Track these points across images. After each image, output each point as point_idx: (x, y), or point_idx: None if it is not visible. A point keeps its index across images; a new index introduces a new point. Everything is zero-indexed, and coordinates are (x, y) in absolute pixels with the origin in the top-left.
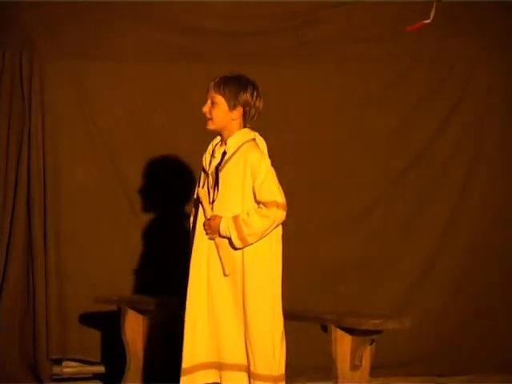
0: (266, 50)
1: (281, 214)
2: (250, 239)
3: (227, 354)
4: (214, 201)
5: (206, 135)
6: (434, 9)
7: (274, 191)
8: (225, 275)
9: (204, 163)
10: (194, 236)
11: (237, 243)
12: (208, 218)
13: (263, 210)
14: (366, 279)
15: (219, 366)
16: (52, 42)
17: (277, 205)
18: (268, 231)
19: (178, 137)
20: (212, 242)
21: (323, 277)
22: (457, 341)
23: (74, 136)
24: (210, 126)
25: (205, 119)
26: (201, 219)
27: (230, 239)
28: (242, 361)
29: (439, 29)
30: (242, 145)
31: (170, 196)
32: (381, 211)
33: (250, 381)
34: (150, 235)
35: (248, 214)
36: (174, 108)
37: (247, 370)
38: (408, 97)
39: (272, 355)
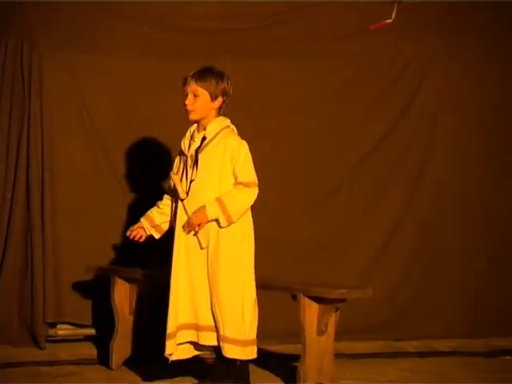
0: (244, 46)
1: (256, 192)
2: (234, 218)
3: (202, 316)
4: (192, 180)
5: (185, 123)
6: (395, 9)
7: (252, 173)
8: (201, 248)
9: (183, 147)
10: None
11: (223, 223)
12: (182, 199)
13: (243, 189)
14: (332, 254)
15: (196, 327)
16: (50, 35)
17: (256, 185)
18: (248, 207)
19: (160, 124)
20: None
21: (293, 252)
22: (411, 309)
23: (69, 121)
24: (193, 117)
25: (186, 111)
26: (180, 206)
27: (217, 220)
28: (212, 322)
29: (398, 28)
30: (221, 131)
31: (153, 175)
32: (344, 193)
33: (219, 343)
34: (135, 211)
35: (230, 194)
36: (158, 98)
37: (224, 337)
38: (369, 91)
39: (241, 321)
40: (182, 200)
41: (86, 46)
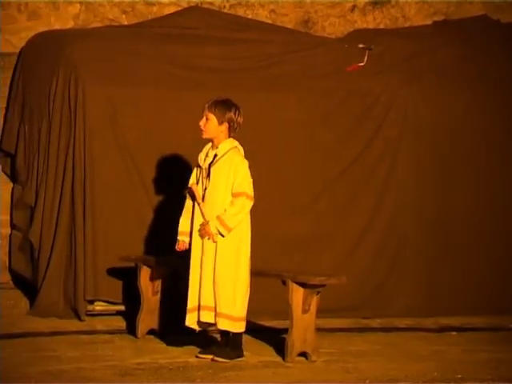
0: (246, 82)
1: (249, 203)
2: (230, 224)
3: (204, 297)
4: (206, 188)
5: (200, 142)
6: (366, 55)
7: (247, 186)
8: (214, 241)
9: (199, 160)
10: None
11: (224, 232)
12: (199, 202)
13: (235, 200)
14: (314, 248)
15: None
16: (91, 72)
17: (246, 195)
18: (242, 215)
19: (179, 142)
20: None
21: (284, 246)
22: (377, 293)
23: (106, 140)
24: (204, 136)
25: (200, 131)
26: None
27: (220, 233)
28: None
29: (369, 69)
30: (229, 150)
31: (173, 184)
32: (325, 199)
33: (215, 318)
34: (157, 211)
35: (227, 212)
36: (177, 122)
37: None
38: (346, 119)
39: (233, 300)
40: (199, 204)
41: (120, 80)
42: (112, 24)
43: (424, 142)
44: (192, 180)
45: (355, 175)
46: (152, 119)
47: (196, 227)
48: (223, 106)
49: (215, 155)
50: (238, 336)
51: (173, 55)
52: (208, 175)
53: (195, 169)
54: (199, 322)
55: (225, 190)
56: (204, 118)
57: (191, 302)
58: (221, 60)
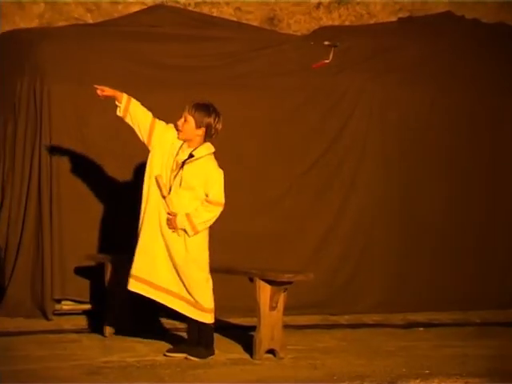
0: (212, 80)
1: (220, 210)
2: (199, 227)
3: (171, 284)
4: (170, 187)
5: None
6: (332, 51)
7: (221, 195)
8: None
9: (171, 146)
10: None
11: (190, 233)
12: (164, 195)
13: (209, 206)
14: (281, 246)
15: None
16: (57, 72)
17: (222, 205)
18: (212, 221)
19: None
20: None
21: (252, 244)
22: (344, 290)
23: (72, 138)
24: (180, 136)
25: (177, 130)
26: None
27: (184, 230)
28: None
29: (334, 66)
30: (206, 155)
31: (137, 179)
32: (292, 196)
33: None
34: (124, 211)
35: (196, 210)
36: None
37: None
38: (312, 116)
39: (207, 291)
40: (164, 197)
41: (85, 80)
42: (77, 23)
43: (390, 139)
44: (153, 166)
45: (322, 172)
46: (118, 118)
47: (152, 201)
48: (203, 110)
49: (191, 155)
50: (210, 334)
51: (138, 53)
52: (178, 171)
53: (158, 153)
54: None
55: (195, 194)
56: (183, 119)
57: (139, 270)
58: (186, 58)
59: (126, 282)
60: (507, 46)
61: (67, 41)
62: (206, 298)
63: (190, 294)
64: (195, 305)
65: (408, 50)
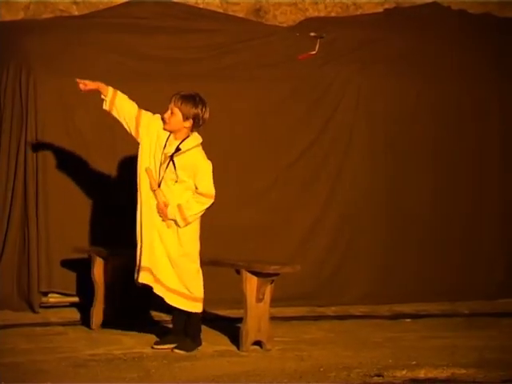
0: (198, 72)
1: (211, 201)
2: (190, 219)
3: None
4: (162, 177)
5: None
6: (318, 43)
7: (211, 187)
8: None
9: (157, 137)
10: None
11: (181, 224)
12: (154, 189)
13: (200, 198)
14: (268, 237)
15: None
16: (43, 64)
17: (213, 197)
18: (202, 212)
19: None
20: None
21: (237, 236)
22: (331, 282)
23: (58, 130)
24: (167, 128)
25: (163, 122)
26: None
27: (175, 221)
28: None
29: (321, 58)
30: (193, 147)
31: (127, 175)
32: (278, 188)
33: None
34: (111, 203)
35: (188, 201)
36: None
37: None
38: (298, 107)
39: (198, 280)
40: (154, 190)
41: (72, 71)
42: (63, 15)
43: (377, 130)
44: (143, 158)
45: (308, 164)
46: (104, 110)
47: (146, 194)
48: (190, 102)
49: (178, 148)
50: (197, 325)
51: (124, 45)
52: (167, 165)
53: (146, 145)
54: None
55: (186, 185)
56: (169, 111)
57: (146, 259)
58: (172, 50)
59: (113, 275)
60: (494, 37)
61: (53, 33)
62: (197, 287)
63: (181, 283)
64: (186, 296)
65: (394, 42)
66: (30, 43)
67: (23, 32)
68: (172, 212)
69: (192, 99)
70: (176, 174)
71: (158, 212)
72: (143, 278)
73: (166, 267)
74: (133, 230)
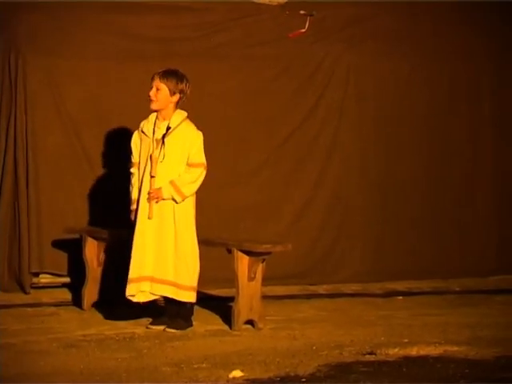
0: (189, 51)
1: (204, 173)
2: (187, 194)
3: (160, 271)
4: (160, 161)
5: (143, 112)
6: (308, 21)
7: (202, 157)
8: (148, 218)
9: (147, 131)
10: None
11: (178, 199)
12: (153, 176)
13: (189, 169)
14: (260, 217)
15: (152, 279)
16: (32, 44)
17: (203, 166)
18: (197, 184)
19: (122, 113)
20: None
21: (228, 215)
22: (323, 260)
23: (48, 112)
24: (154, 107)
25: (149, 101)
26: (147, 180)
27: (173, 198)
28: (170, 277)
29: (311, 36)
30: (181, 122)
31: (118, 156)
32: (269, 168)
33: (176, 292)
34: (102, 183)
35: (181, 177)
36: (120, 93)
37: (173, 283)
38: (288, 86)
39: (193, 271)
40: (153, 177)
41: (62, 52)
42: None
43: (367, 109)
44: (136, 151)
45: (299, 142)
46: (93, 90)
47: (144, 197)
48: (175, 76)
49: (168, 127)
50: (190, 306)
51: (115, 25)
52: (161, 147)
53: (137, 139)
54: (150, 295)
55: (179, 162)
56: (154, 88)
57: (135, 271)
58: (163, 29)
59: (105, 255)
60: (487, 16)
61: (42, 13)
62: (190, 276)
63: (175, 273)
64: (179, 286)
65: (385, 19)
66: (19, 23)
67: (11, 12)
68: (167, 190)
69: (175, 74)
70: (163, 153)
71: (153, 197)
72: (130, 290)
73: (156, 259)
74: (124, 208)
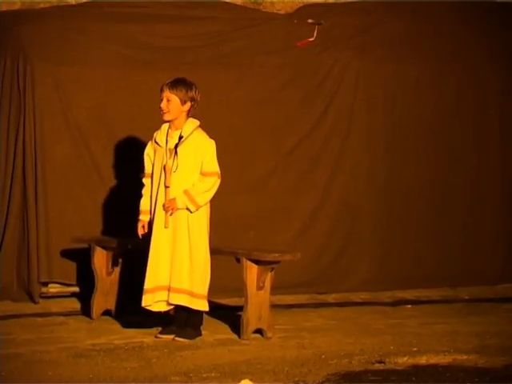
0: (197, 60)
1: (218, 181)
2: (198, 200)
3: (175, 280)
4: (174, 171)
5: (152, 121)
6: (316, 29)
7: (216, 165)
8: (165, 227)
9: (160, 141)
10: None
11: (192, 208)
12: (167, 186)
13: (203, 178)
14: (268, 225)
15: (169, 289)
16: (40, 52)
17: (217, 175)
18: (211, 193)
19: (131, 122)
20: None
21: (237, 224)
22: (332, 268)
23: (56, 121)
24: (167, 118)
25: (162, 113)
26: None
27: (187, 208)
28: (186, 286)
29: (319, 44)
30: (193, 131)
31: (124, 164)
32: (278, 176)
33: (190, 300)
34: (110, 192)
35: (195, 186)
36: (127, 101)
37: (189, 292)
38: (297, 94)
39: (205, 279)
40: (168, 187)
41: (70, 59)
42: (60, 4)
43: (376, 116)
44: (148, 162)
45: (308, 150)
46: (102, 99)
47: (159, 207)
48: (184, 85)
49: (181, 136)
50: (200, 315)
51: (122, 34)
52: (174, 156)
53: (150, 149)
54: (167, 304)
55: (193, 171)
56: (165, 100)
57: (150, 282)
58: (170, 38)
59: (113, 264)
60: (493, 22)
61: (50, 22)
62: (202, 284)
63: (189, 281)
64: (193, 294)
65: (392, 26)
66: (27, 33)
67: (20, 22)
68: (181, 199)
69: (183, 83)
70: (176, 163)
71: (168, 208)
72: (146, 301)
73: (175, 267)
74: (132, 218)
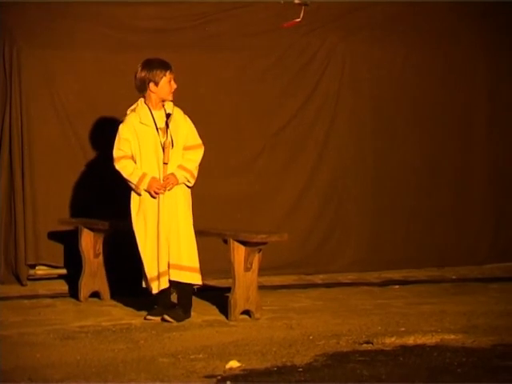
0: (183, 41)
1: (203, 151)
2: (195, 172)
3: (172, 256)
4: (165, 147)
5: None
6: (302, 10)
7: (198, 137)
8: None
9: (146, 122)
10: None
11: (192, 180)
12: (166, 162)
13: (194, 152)
14: (256, 207)
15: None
16: (26, 35)
17: (201, 146)
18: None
19: (118, 104)
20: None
21: (224, 205)
22: (319, 249)
23: (43, 104)
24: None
25: (172, 93)
26: (158, 163)
27: (186, 183)
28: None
29: (306, 25)
30: (173, 108)
31: (111, 146)
32: (264, 157)
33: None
34: (95, 174)
35: (187, 159)
36: (115, 84)
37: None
38: (284, 75)
39: (196, 252)
40: (166, 163)
41: (56, 42)
42: None
43: (363, 97)
44: (128, 145)
45: (294, 132)
46: (88, 81)
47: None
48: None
49: (168, 114)
50: (189, 297)
51: (108, 17)
52: (167, 134)
53: (129, 134)
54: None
55: (181, 147)
56: (172, 82)
57: (153, 269)
58: (156, 20)
59: (100, 246)
60: (481, 6)
61: (36, 5)
62: (195, 257)
63: (187, 256)
64: (189, 268)
65: (379, 8)
66: (14, 15)
67: (6, 5)
68: (180, 175)
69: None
70: (172, 139)
71: (168, 184)
72: (154, 289)
73: (172, 245)
74: (120, 200)
